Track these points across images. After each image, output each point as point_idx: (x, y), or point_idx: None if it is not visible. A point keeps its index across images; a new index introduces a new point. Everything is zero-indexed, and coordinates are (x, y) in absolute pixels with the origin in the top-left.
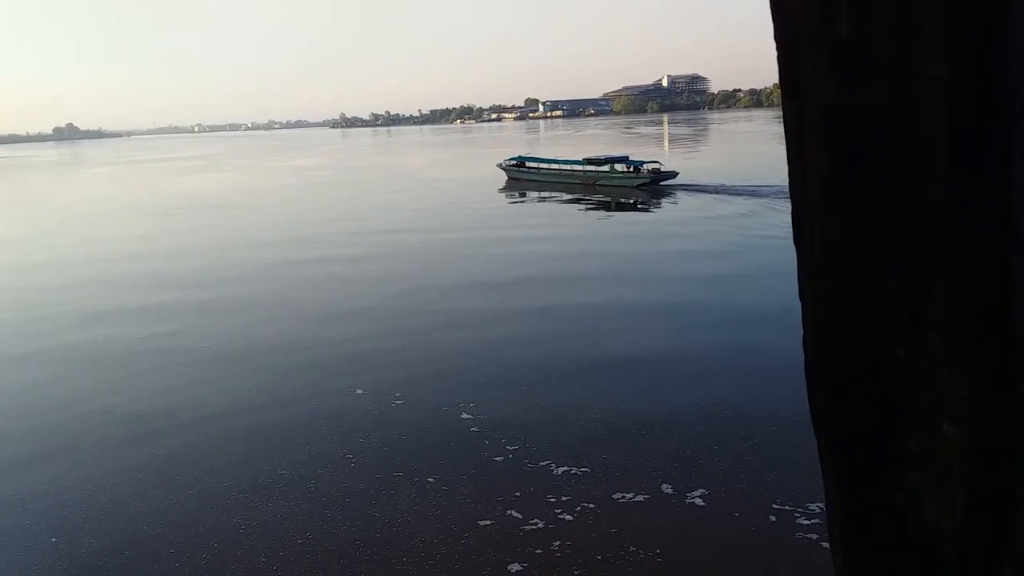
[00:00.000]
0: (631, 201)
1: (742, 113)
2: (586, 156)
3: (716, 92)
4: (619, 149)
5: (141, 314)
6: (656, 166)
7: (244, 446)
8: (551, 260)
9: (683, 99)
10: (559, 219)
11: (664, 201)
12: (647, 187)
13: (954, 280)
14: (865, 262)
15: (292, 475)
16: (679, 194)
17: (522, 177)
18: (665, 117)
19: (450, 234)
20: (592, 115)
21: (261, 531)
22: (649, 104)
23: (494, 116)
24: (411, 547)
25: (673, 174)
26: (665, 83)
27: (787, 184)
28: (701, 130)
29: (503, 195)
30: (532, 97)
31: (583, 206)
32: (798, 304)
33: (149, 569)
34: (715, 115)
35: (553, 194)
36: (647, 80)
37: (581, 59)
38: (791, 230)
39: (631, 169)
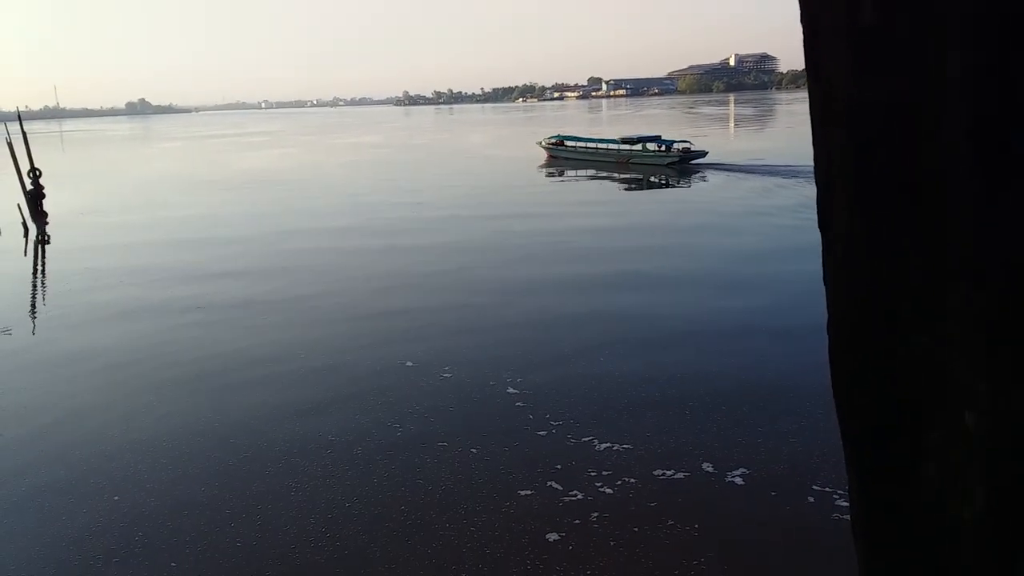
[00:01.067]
0: (662, 180)
1: None
2: (622, 135)
3: (785, 72)
4: (676, 129)
5: (216, 294)
6: (686, 145)
7: (296, 414)
8: (597, 247)
9: (750, 79)
10: (598, 205)
11: (694, 179)
12: (676, 166)
13: (974, 273)
14: (886, 252)
15: (340, 441)
16: (708, 173)
17: (560, 155)
18: (731, 97)
19: (500, 221)
20: (656, 94)
21: (310, 495)
22: (715, 84)
23: (556, 95)
24: (454, 514)
25: (703, 153)
26: (732, 62)
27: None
28: (765, 111)
29: (544, 174)
30: (595, 76)
31: (618, 185)
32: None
33: (205, 529)
34: (783, 95)
35: (589, 172)
36: (714, 59)
37: (646, 37)
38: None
39: (662, 148)
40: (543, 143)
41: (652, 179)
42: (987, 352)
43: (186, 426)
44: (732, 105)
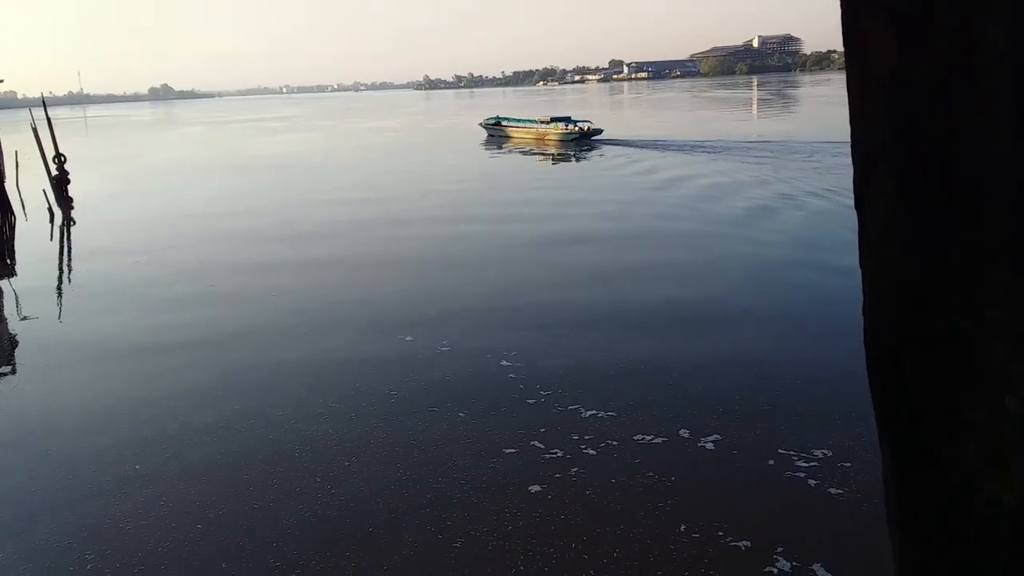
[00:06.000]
0: (570, 153)
1: (835, 75)
2: (539, 116)
3: (809, 53)
4: (676, 114)
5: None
6: (588, 124)
7: (298, 383)
8: (592, 220)
9: (774, 60)
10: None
11: (592, 153)
12: (579, 141)
13: (1015, 255)
14: (927, 234)
15: (340, 407)
16: (604, 147)
17: (496, 133)
18: (754, 79)
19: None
20: (678, 76)
21: (313, 456)
22: (738, 66)
23: (577, 78)
24: (444, 469)
25: (599, 131)
26: (755, 44)
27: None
28: (772, 93)
29: (485, 149)
30: (617, 59)
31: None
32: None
33: (225, 492)
34: (806, 77)
35: (518, 147)
36: (737, 41)
37: (669, 20)
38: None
39: (568, 126)
40: (483, 123)
41: (561, 152)
42: None
43: (202, 390)
44: (755, 88)
